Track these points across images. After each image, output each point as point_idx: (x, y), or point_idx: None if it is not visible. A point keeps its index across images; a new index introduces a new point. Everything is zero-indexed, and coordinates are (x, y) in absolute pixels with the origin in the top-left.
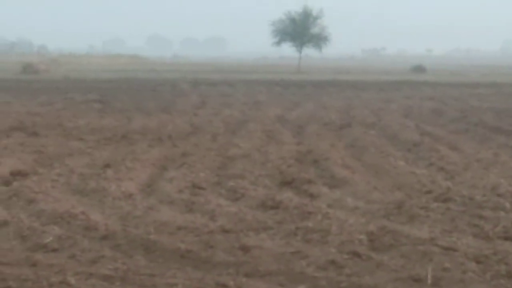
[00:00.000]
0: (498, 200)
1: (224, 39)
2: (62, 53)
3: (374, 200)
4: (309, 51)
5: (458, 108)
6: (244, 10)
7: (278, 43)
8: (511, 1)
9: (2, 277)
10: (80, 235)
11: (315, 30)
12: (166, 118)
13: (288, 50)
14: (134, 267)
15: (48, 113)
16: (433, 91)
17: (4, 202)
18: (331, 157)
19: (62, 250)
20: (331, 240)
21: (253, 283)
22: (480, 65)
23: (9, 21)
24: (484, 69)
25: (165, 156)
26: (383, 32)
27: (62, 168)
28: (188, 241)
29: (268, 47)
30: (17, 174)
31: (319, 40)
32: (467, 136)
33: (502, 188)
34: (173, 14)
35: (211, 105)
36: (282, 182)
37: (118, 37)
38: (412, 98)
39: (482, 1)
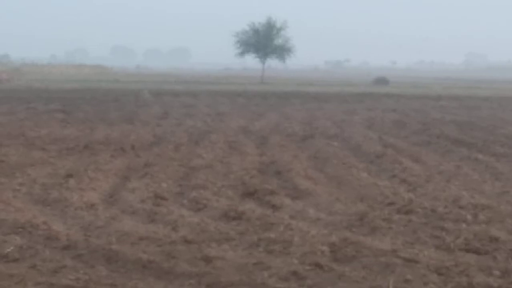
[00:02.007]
0: (459, 212)
1: (188, 50)
2: (24, 62)
3: (337, 212)
4: (273, 63)
5: (420, 120)
6: (208, 21)
7: (242, 54)
8: (475, 15)
9: None
10: (41, 245)
11: (278, 41)
12: (129, 129)
13: (251, 61)
14: (96, 277)
15: (10, 122)
16: (396, 103)
17: None
18: (294, 169)
19: (23, 260)
20: (293, 251)
21: None
22: (443, 78)
23: None
24: (447, 81)
25: (127, 167)
26: (347, 44)
27: (24, 178)
28: (150, 251)
29: (232, 58)
30: None
31: (282, 51)
32: (429, 148)
33: (463, 200)
34: (137, 25)
35: (174, 116)
36: (245, 193)
37: (81, 47)
38: (375, 110)
39: (446, 14)
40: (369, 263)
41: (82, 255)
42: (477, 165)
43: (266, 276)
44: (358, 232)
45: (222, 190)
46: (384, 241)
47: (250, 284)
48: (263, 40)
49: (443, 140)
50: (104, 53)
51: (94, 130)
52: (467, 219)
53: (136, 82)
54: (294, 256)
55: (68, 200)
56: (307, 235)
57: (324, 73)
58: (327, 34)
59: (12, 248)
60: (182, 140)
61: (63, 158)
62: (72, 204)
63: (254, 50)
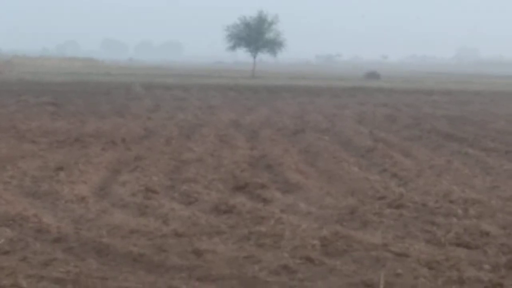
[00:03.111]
0: (450, 206)
1: (180, 44)
2: (16, 55)
3: (327, 206)
4: (264, 56)
5: (411, 115)
6: (200, 15)
7: (233, 47)
8: (466, 9)
9: None
10: (32, 238)
11: (270, 35)
12: (120, 122)
13: (243, 55)
14: (86, 270)
15: (1, 115)
16: (387, 97)
17: None
18: (285, 162)
19: (14, 252)
20: (284, 245)
21: (206, 287)
22: (435, 72)
23: None
24: (439, 76)
25: (118, 160)
26: (338, 38)
27: (14, 170)
28: (140, 244)
29: (223, 52)
30: None
31: (273, 45)
32: (421, 143)
33: (454, 194)
34: (129, 18)
35: (165, 109)
36: (236, 187)
37: (73, 40)
38: (366, 104)
39: (437, 8)
40: (360, 257)
41: (73, 248)
42: (468, 159)
43: (256, 270)
44: (349, 226)
45: (212, 183)
46: (375, 235)
47: (240, 277)
48: (254, 34)
49: (434, 134)
50: (95, 47)
51: (85, 123)
52: (458, 214)
53: (127, 75)
54: (285, 249)
55: (58, 193)
56: (298, 229)
57: (315, 67)
58: (318, 28)
59: (2, 240)
60: (173, 134)
61: (54, 151)
62: (62, 197)
63: (246, 44)
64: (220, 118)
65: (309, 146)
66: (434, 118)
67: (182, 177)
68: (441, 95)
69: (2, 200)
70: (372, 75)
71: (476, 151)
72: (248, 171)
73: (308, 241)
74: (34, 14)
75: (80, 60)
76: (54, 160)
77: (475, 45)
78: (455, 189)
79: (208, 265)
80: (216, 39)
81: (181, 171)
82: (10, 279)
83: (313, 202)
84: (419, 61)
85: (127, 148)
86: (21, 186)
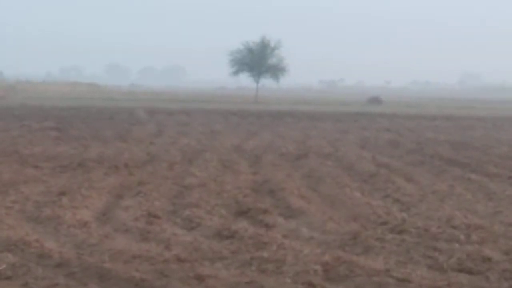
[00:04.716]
0: (452, 232)
1: (183, 69)
2: (19, 79)
3: (330, 231)
4: (267, 82)
5: (414, 140)
6: (203, 40)
7: (236, 73)
8: (469, 36)
9: None
10: (34, 263)
11: (272, 60)
12: (122, 147)
13: (246, 80)
14: None
15: (4, 140)
16: (390, 122)
17: None
18: (287, 187)
19: (16, 277)
20: (286, 270)
21: None
22: (437, 98)
23: None
24: (442, 101)
25: (121, 185)
26: (342, 64)
27: (17, 195)
28: (143, 269)
29: (226, 77)
30: None
31: (276, 70)
32: (423, 168)
33: (457, 220)
34: (132, 43)
35: (168, 134)
36: (238, 212)
37: (76, 65)
38: (368, 129)
39: (439, 35)
40: (362, 283)
41: (75, 273)
42: (470, 185)
43: None
44: (351, 251)
45: (215, 208)
46: (377, 260)
47: None
48: (257, 59)
49: (437, 160)
50: (99, 71)
51: (88, 148)
52: (460, 239)
53: (130, 100)
54: (287, 275)
55: (61, 218)
56: (300, 254)
57: (318, 93)
58: (321, 54)
59: (4, 266)
60: (175, 159)
61: (57, 176)
62: (65, 222)
63: (248, 69)
64: (223, 143)
65: (311, 171)
66: (436, 143)
67: (184, 202)
68: (444, 121)
69: (4, 225)
70: (375, 100)
71: (479, 177)
72: (251, 196)
73: (310, 267)
74: (38, 38)
75: (83, 85)
76: (57, 185)
77: (478, 71)
78: (458, 215)
79: None
80: (219, 64)
81: (184, 196)
82: None
83: (316, 227)
84: (422, 87)
85: (129, 173)
86: (24, 211)
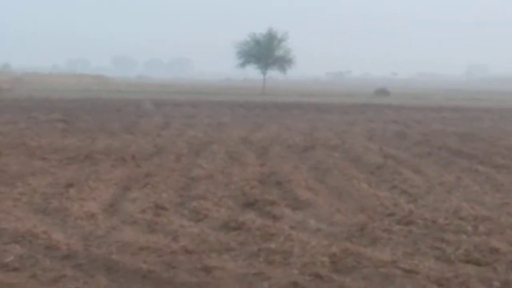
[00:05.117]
0: (460, 223)
1: (190, 61)
2: (25, 72)
3: (337, 222)
4: (274, 73)
5: (421, 131)
6: (210, 31)
7: (243, 64)
8: (475, 27)
9: None
10: (41, 255)
11: (279, 52)
12: (129, 139)
13: (252, 72)
14: (96, 287)
15: (11, 132)
16: (396, 114)
17: None
18: (294, 179)
19: (23, 269)
20: (294, 261)
21: None
22: (444, 89)
23: None
24: (449, 93)
25: (128, 177)
26: (348, 56)
27: (24, 187)
28: (150, 261)
29: (233, 69)
30: None
31: (283, 62)
32: (430, 160)
33: (464, 211)
34: (139, 35)
35: (175, 126)
36: (245, 204)
37: (83, 57)
38: (375, 121)
39: (447, 27)
40: (369, 274)
41: (82, 264)
42: (477, 176)
43: (266, 287)
44: (358, 243)
45: (222, 200)
46: (384, 252)
47: None
48: (264, 51)
49: (444, 151)
50: (105, 63)
51: (95, 140)
52: (468, 231)
53: (137, 92)
54: (294, 266)
55: (68, 210)
56: (307, 246)
57: (325, 84)
58: (328, 46)
59: (12, 257)
60: (182, 151)
61: (64, 168)
62: (72, 213)
63: (255, 61)
64: (230, 135)
65: (318, 163)
66: (444, 134)
67: (191, 194)
68: (451, 112)
69: (12, 216)
70: (382, 92)
71: (486, 168)
72: (258, 188)
73: (318, 258)
74: (45, 31)
75: (90, 77)
76: (64, 177)
77: (485, 62)
78: (465, 206)
79: (217, 282)
80: (226, 56)
81: (191, 188)
82: None
83: (323, 219)
84: (429, 78)
85: (137, 165)
86: (31, 203)
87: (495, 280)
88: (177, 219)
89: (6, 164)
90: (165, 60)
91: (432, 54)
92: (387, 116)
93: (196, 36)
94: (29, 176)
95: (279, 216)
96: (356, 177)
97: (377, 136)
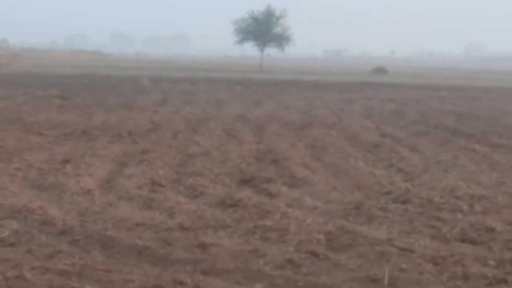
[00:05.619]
0: (456, 202)
1: (188, 37)
2: (23, 47)
3: (333, 200)
4: (271, 51)
5: (419, 110)
6: (209, 7)
7: (240, 42)
8: (473, 5)
9: None
10: (37, 230)
11: (277, 30)
12: (126, 115)
13: (251, 49)
14: (91, 263)
15: (8, 107)
16: (394, 93)
17: None
18: (291, 157)
19: (19, 244)
20: (289, 239)
21: (210, 280)
22: (442, 68)
23: None
24: (447, 72)
25: (124, 153)
26: (346, 32)
27: (20, 162)
28: (146, 237)
29: (231, 46)
30: None
31: (281, 40)
32: (427, 138)
33: (460, 190)
34: (137, 11)
35: (172, 103)
36: (242, 181)
37: (81, 32)
38: (373, 99)
39: (444, 4)
40: (364, 252)
41: (78, 240)
42: (474, 155)
43: (261, 264)
44: (354, 221)
45: (219, 177)
46: (380, 230)
47: (245, 271)
48: (262, 28)
49: (441, 130)
50: (104, 39)
51: (92, 116)
52: (464, 209)
53: (135, 68)
54: (290, 244)
55: (64, 186)
56: (303, 223)
57: (323, 62)
58: (327, 22)
59: (8, 232)
60: (179, 127)
61: (61, 144)
62: (68, 189)
63: (253, 38)
64: (227, 112)
65: (315, 141)
66: (441, 113)
67: (188, 170)
68: (449, 91)
69: (8, 192)
70: (380, 70)
71: (483, 147)
72: (255, 165)
73: (314, 236)
74: (43, 6)
75: (88, 53)
76: (61, 152)
77: (483, 41)
78: (461, 185)
79: (213, 258)
80: (224, 32)
81: (187, 164)
82: (15, 271)
83: (319, 196)
84: (427, 57)
85: (133, 141)
86: (27, 178)
87: (490, 259)
88: (173, 195)
89: (2, 140)
90: (164, 36)
91: (430, 33)
92: (384, 94)
93: (195, 12)
94: (26, 151)
95: (275, 193)
96: (353, 155)
97: (375, 114)
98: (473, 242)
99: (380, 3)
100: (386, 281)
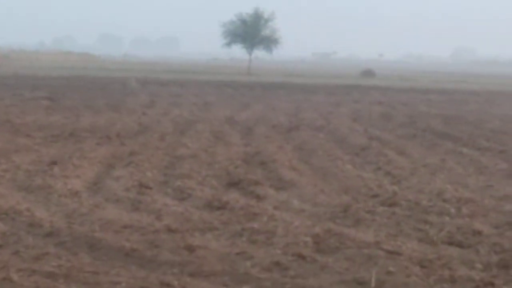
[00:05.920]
0: (443, 205)
1: (177, 39)
2: (12, 49)
3: (321, 203)
4: (260, 53)
5: (406, 113)
6: (197, 10)
7: (229, 44)
8: (462, 9)
9: None
10: (24, 232)
11: (266, 32)
12: (114, 117)
13: (239, 52)
14: (78, 265)
15: None
16: (382, 96)
17: None
18: (279, 159)
19: (6, 246)
20: (276, 241)
21: (198, 283)
22: (431, 71)
23: None
24: (435, 75)
25: (112, 155)
26: (334, 35)
27: (8, 164)
28: (133, 239)
29: (219, 48)
30: None
31: (269, 42)
32: (415, 142)
33: (447, 193)
34: (125, 13)
35: (160, 105)
36: (229, 183)
37: (69, 34)
38: (361, 102)
39: (434, 7)
40: (352, 255)
41: (65, 242)
42: (462, 159)
43: (248, 266)
44: (341, 223)
45: (206, 179)
46: (367, 233)
47: (232, 273)
48: (250, 31)
49: (429, 133)
50: (92, 41)
51: (80, 118)
52: (451, 213)
53: (123, 70)
54: (277, 246)
55: (52, 187)
56: (291, 226)
57: (311, 65)
58: (315, 25)
59: None
60: (167, 130)
61: (48, 145)
62: (56, 191)
63: (241, 41)
64: (215, 114)
65: (303, 144)
66: (429, 116)
67: (176, 173)
68: (437, 94)
69: None
70: (368, 73)
71: (471, 151)
72: (242, 168)
73: (301, 238)
74: (31, 7)
75: (76, 55)
76: (48, 154)
77: (472, 44)
78: (449, 188)
79: (200, 261)
80: (212, 35)
81: (175, 167)
82: (1, 273)
83: (307, 199)
84: (415, 60)
85: (121, 143)
86: (15, 180)
87: (477, 262)
88: (161, 197)
89: None
90: (153, 39)
91: (419, 36)
92: (372, 97)
93: (183, 15)
94: (13, 153)
95: (262, 196)
96: (341, 158)
97: (362, 117)
98: (460, 245)
99: (370, 6)
100: (373, 284)
